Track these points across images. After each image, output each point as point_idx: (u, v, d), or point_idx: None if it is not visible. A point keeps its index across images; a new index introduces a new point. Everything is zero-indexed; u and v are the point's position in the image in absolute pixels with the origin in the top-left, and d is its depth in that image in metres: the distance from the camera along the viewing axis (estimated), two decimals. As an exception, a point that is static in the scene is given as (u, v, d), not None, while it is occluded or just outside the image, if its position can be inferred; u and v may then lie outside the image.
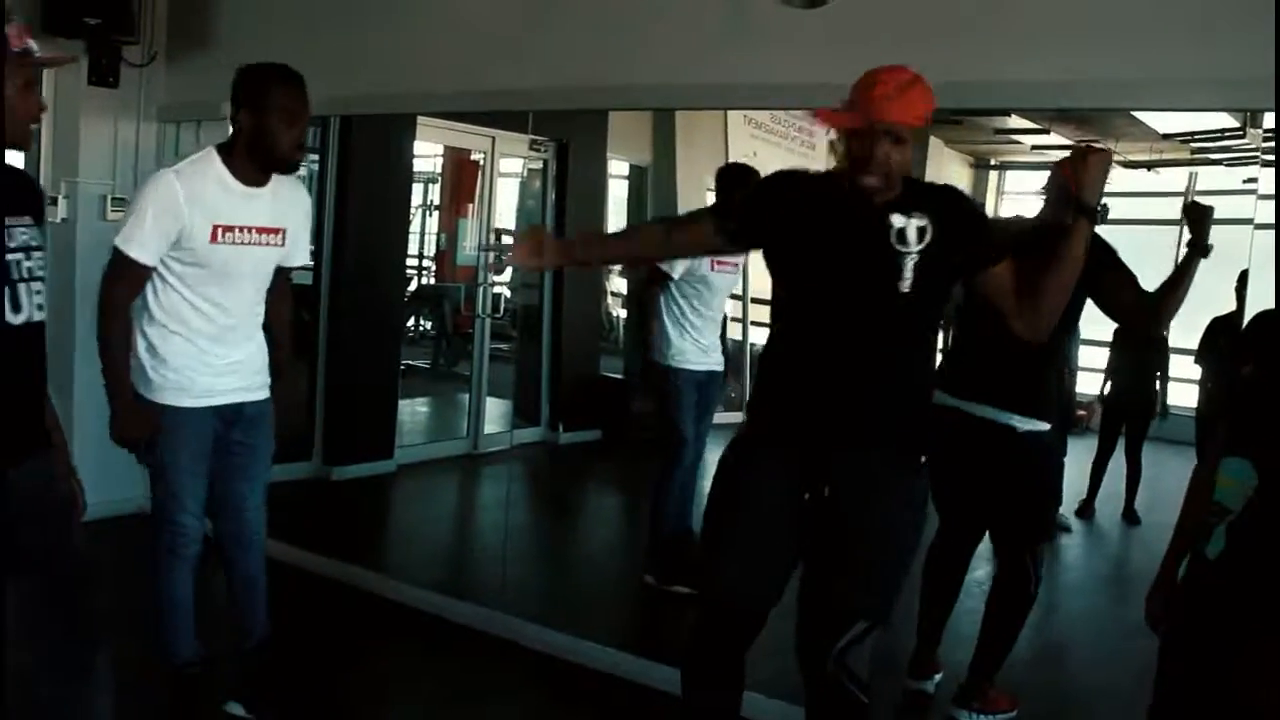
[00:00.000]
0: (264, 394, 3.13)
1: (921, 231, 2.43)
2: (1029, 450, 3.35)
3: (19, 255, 2.16)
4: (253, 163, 2.93)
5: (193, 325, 2.95)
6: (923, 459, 2.55)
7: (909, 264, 2.42)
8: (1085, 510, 6.24)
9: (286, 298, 3.28)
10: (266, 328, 3.17)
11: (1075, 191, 2.46)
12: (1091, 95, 3.06)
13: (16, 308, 2.14)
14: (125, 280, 2.90)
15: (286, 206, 3.06)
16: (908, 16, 3.10)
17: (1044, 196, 3.37)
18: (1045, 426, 3.35)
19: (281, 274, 3.17)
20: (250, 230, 2.95)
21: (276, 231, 3.02)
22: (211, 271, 2.92)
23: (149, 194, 2.88)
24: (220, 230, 2.90)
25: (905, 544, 2.57)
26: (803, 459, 2.48)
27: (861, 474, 2.46)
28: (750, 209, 2.65)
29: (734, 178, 4.31)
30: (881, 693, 3.43)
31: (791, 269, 2.57)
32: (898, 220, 2.43)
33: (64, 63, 2.63)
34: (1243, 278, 5.32)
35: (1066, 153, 2.53)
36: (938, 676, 3.66)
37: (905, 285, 2.42)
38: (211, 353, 2.98)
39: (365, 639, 3.96)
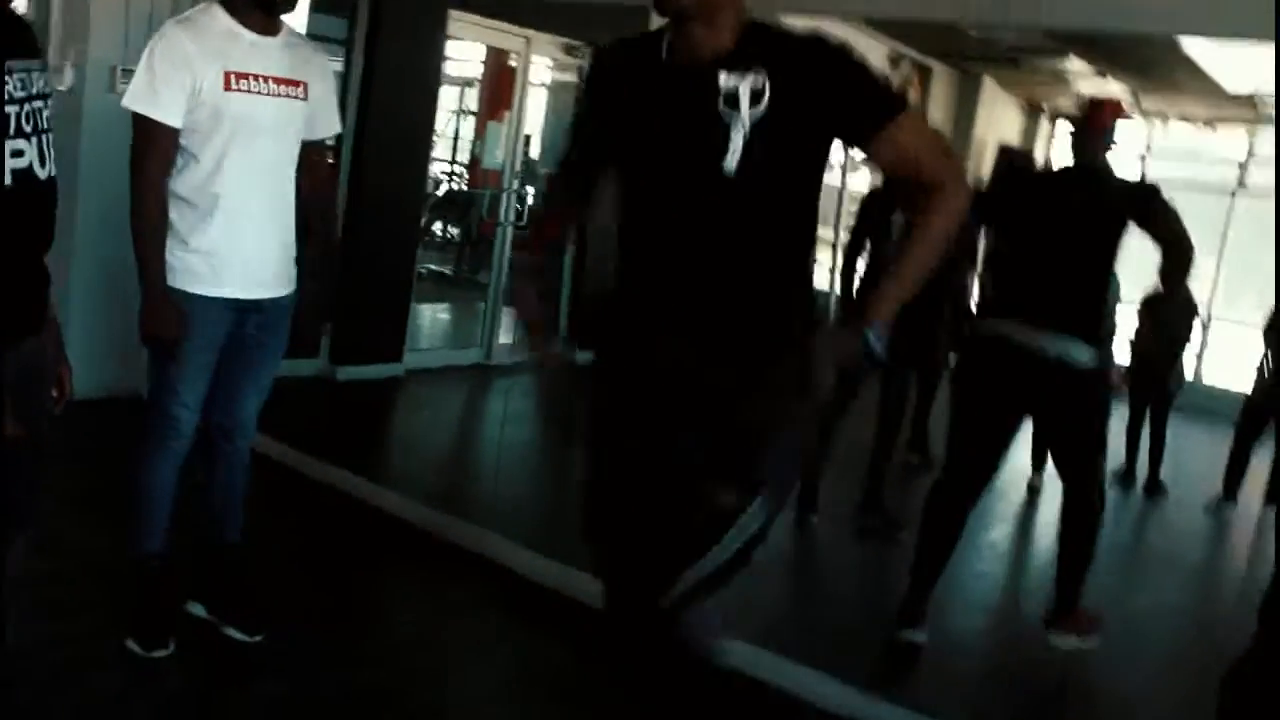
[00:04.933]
0: (286, 290, 2.95)
1: (757, 94, 1.91)
2: (1084, 382, 3.39)
3: (40, 103, 1.95)
4: (250, 4, 2.75)
5: (216, 201, 2.76)
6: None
7: (737, 135, 1.92)
8: (1126, 477, 6.06)
9: (323, 179, 3.10)
10: (302, 220, 2.98)
11: None
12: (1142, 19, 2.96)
13: (43, 161, 1.96)
14: (153, 149, 2.71)
15: (303, 61, 2.88)
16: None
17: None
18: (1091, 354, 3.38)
19: (311, 150, 2.95)
20: (266, 80, 2.77)
21: (297, 84, 2.84)
22: (230, 128, 2.73)
23: (154, 48, 2.71)
24: (233, 77, 2.72)
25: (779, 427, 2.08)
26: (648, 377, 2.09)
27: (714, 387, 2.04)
28: (588, 119, 2.26)
29: None
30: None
31: (615, 152, 2.16)
32: (727, 80, 1.93)
33: None
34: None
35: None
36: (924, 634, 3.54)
37: (731, 162, 1.93)
38: (235, 235, 2.79)
39: (347, 548, 3.86)
